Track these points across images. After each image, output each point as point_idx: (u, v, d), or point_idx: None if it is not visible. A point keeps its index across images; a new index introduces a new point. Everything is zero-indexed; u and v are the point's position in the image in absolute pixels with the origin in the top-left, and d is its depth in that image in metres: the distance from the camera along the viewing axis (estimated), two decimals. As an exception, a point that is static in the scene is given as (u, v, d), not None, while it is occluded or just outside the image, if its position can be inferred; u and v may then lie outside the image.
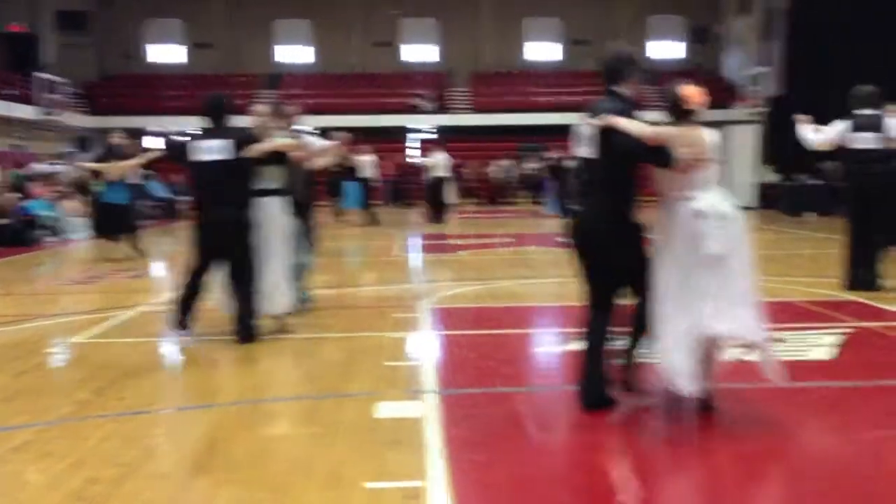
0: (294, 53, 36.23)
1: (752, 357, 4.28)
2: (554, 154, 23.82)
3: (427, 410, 4.45)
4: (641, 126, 4.12)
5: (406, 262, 12.59)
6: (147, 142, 29.63)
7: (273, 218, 6.42)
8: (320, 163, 7.63)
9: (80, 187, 18.40)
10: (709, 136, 4.21)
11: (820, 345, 5.84)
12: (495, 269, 11.14)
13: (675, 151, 4.06)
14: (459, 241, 15.32)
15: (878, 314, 7.17)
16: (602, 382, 4.42)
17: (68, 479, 3.53)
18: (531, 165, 28.98)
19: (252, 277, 6.21)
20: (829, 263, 9.30)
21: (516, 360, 5.82)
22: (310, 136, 7.58)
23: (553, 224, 19.97)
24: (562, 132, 28.44)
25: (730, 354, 4.48)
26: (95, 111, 31.17)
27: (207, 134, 6.30)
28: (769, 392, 4.65)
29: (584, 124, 4.38)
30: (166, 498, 3.34)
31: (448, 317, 7.45)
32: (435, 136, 31.40)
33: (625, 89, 4.42)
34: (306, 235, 7.26)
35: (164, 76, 34.68)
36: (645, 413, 4.54)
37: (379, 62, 35.65)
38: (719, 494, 3.41)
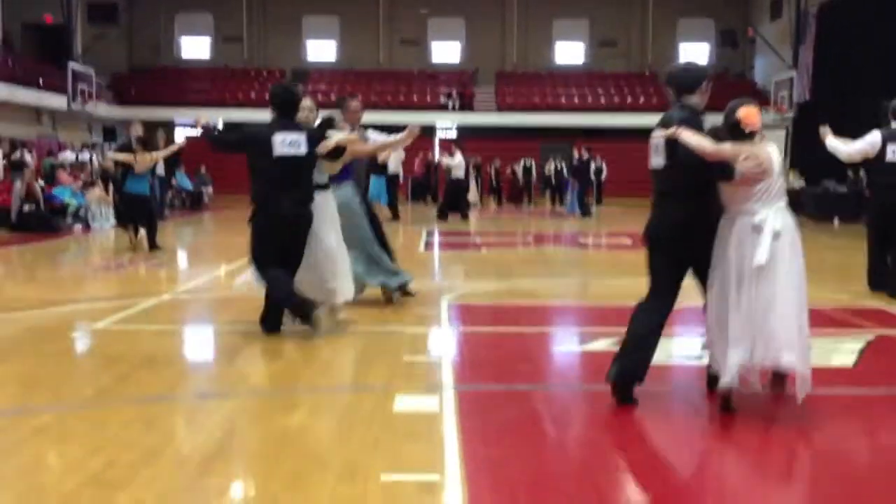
0: (321, 49, 36.37)
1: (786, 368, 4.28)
2: (576, 155, 23.76)
3: (444, 405, 4.46)
4: (702, 141, 4.25)
5: (427, 258, 12.60)
6: (177, 133, 29.97)
7: (330, 211, 6.47)
8: (384, 155, 7.84)
9: (105, 177, 18.60)
10: (772, 151, 4.31)
11: (842, 351, 5.78)
12: (515, 267, 11.13)
13: (736, 166, 4.19)
14: (480, 239, 15.32)
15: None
16: (632, 379, 4.50)
17: (87, 462, 3.57)
18: (553, 165, 28.93)
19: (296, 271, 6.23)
20: (853, 270, 9.21)
21: (534, 358, 5.81)
22: (372, 131, 7.69)
23: (573, 224, 19.95)
24: (585, 133, 28.40)
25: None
26: (124, 102, 31.49)
27: (283, 127, 6.12)
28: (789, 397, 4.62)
29: (655, 135, 4.52)
30: (183, 485, 3.37)
31: (467, 313, 7.45)
32: (454, 135, 31.40)
33: (693, 101, 4.56)
34: (374, 226, 7.48)
35: (193, 69, 34.99)
36: (663, 411, 4.52)
37: (406, 60, 35.71)
38: (731, 493, 3.39)
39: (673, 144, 4.32)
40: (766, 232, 4.18)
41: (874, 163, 8.29)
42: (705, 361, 4.72)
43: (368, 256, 7.25)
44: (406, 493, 3.28)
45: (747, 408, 4.61)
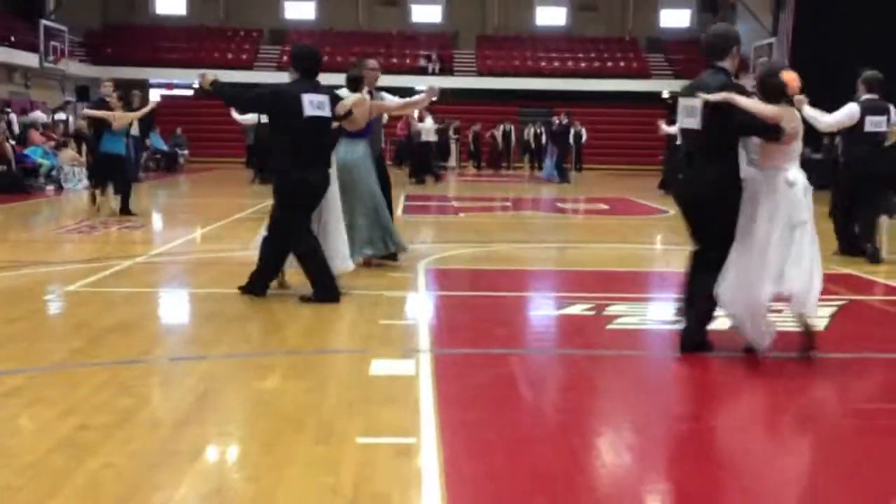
0: (300, 9, 35.83)
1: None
2: (555, 119, 23.65)
3: (421, 369, 4.46)
4: (757, 104, 4.54)
5: (405, 222, 12.55)
6: (151, 94, 29.53)
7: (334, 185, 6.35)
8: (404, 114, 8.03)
9: (78, 137, 18.32)
10: (797, 115, 4.72)
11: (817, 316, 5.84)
12: (493, 232, 11.13)
13: (784, 127, 4.50)
14: (458, 204, 15.28)
15: (871, 287, 7.30)
16: (701, 330, 4.81)
17: (60, 425, 3.54)
18: (532, 130, 28.84)
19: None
20: (824, 236, 9.29)
21: (511, 322, 5.82)
22: (386, 94, 7.80)
23: (551, 189, 19.95)
24: (565, 97, 28.25)
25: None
26: (97, 60, 30.92)
27: (310, 88, 5.95)
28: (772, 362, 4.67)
29: (690, 98, 4.70)
30: (157, 447, 3.35)
31: (444, 278, 7.44)
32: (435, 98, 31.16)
33: (726, 65, 4.75)
34: (384, 187, 7.58)
35: (168, 28, 34.38)
36: (638, 374, 4.56)
37: (385, 21, 35.30)
38: (706, 454, 3.42)
39: (714, 107, 4.49)
40: (800, 186, 4.61)
41: (851, 132, 8.46)
42: (679, 326, 4.88)
43: (374, 216, 7.28)
44: (382, 456, 3.27)
45: (719, 372, 4.65)
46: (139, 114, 12.87)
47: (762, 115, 4.49)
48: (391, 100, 7.74)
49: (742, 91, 4.59)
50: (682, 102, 4.80)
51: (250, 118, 16.09)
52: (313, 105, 5.87)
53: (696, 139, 4.73)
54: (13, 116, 20.36)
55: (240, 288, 6.18)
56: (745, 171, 4.70)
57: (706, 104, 4.54)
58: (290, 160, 5.89)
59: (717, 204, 4.70)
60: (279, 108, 5.93)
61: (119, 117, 11.45)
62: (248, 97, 6.38)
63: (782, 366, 4.75)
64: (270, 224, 6.09)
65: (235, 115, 15.62)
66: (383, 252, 7.42)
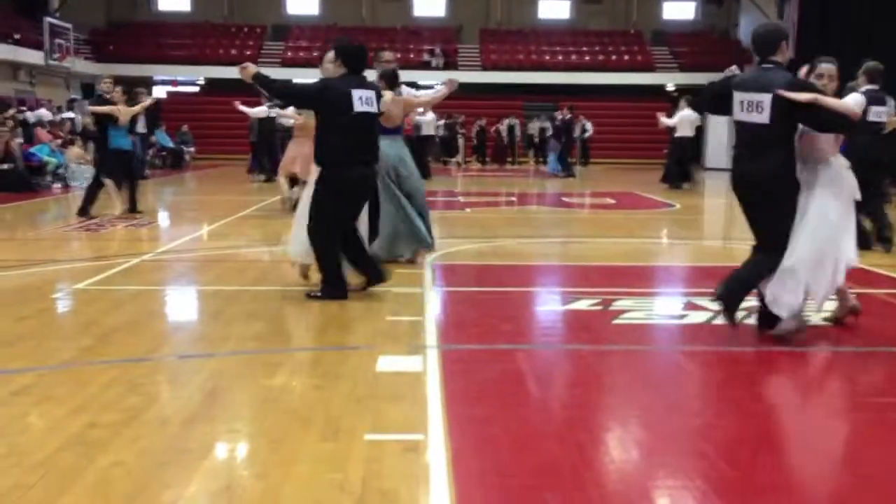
0: (303, 5, 35.81)
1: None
2: (559, 114, 23.58)
3: (428, 365, 4.47)
4: (842, 102, 4.91)
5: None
6: (156, 91, 29.54)
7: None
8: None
9: (85, 134, 18.35)
10: None
11: (823, 310, 5.83)
12: (499, 227, 11.13)
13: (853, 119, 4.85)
14: (464, 199, 15.28)
15: (877, 280, 7.25)
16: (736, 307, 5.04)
17: (69, 423, 3.56)
18: (537, 125, 28.79)
19: None
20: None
21: (517, 317, 5.82)
22: (406, 88, 7.88)
23: (556, 184, 19.93)
24: (570, 91, 28.11)
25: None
26: (102, 58, 30.95)
27: (357, 84, 5.94)
28: (772, 355, 4.67)
29: (754, 93, 4.85)
30: (166, 444, 3.37)
31: (451, 273, 7.45)
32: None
33: (777, 59, 4.94)
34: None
35: (172, 24, 34.39)
36: (645, 370, 4.56)
37: (388, 16, 35.26)
38: (713, 449, 3.43)
39: (789, 103, 4.71)
40: (848, 171, 5.08)
41: (859, 122, 8.52)
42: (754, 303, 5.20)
43: (419, 211, 7.58)
44: (390, 453, 3.29)
45: (728, 366, 4.65)
46: (141, 107, 12.74)
47: (847, 111, 4.80)
48: (418, 94, 7.82)
49: (810, 87, 4.83)
50: (742, 97, 4.91)
51: (261, 111, 16.05)
52: (362, 101, 5.89)
53: (761, 133, 4.87)
54: (28, 115, 20.39)
55: (312, 296, 6.05)
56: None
57: (779, 99, 4.72)
58: (340, 156, 5.89)
59: (783, 195, 4.89)
60: (329, 103, 5.88)
61: (124, 112, 11.40)
62: (295, 90, 6.33)
63: (789, 359, 4.75)
64: (312, 221, 6.00)
65: (243, 108, 15.58)
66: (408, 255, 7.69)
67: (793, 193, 4.91)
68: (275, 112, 14.80)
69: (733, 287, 5.04)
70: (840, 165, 5.08)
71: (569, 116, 23.08)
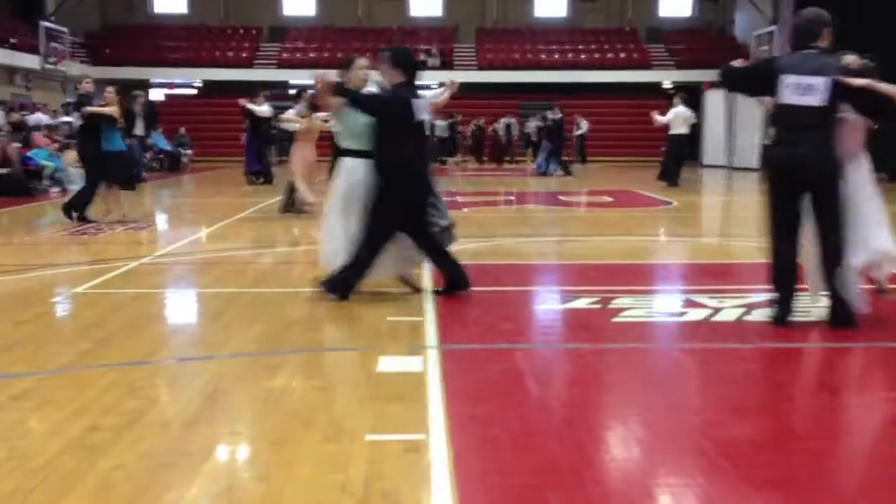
0: (299, 5, 35.81)
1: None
2: (549, 114, 23.48)
3: (428, 365, 4.47)
4: (891, 87, 4.98)
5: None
6: (153, 94, 29.54)
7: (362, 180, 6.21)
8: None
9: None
10: None
11: (823, 306, 5.83)
12: (497, 226, 11.13)
13: None
14: (462, 199, 15.28)
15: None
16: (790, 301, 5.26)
17: (69, 427, 3.55)
18: (534, 124, 28.81)
19: None
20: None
21: (516, 316, 5.82)
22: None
23: (554, 183, 19.94)
24: (566, 90, 28.15)
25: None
26: (98, 62, 30.95)
27: (414, 93, 6.04)
28: (767, 351, 4.67)
29: (807, 77, 4.99)
30: (166, 447, 3.37)
31: (450, 273, 7.43)
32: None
33: (823, 45, 5.11)
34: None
35: (168, 26, 34.39)
36: (645, 368, 4.56)
37: (385, 16, 35.27)
38: (714, 449, 3.43)
39: (844, 87, 4.92)
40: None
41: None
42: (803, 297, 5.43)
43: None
44: (391, 453, 3.29)
45: (729, 363, 4.65)
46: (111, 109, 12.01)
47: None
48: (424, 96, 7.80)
49: (866, 72, 5.08)
50: (792, 79, 5.01)
51: (266, 110, 15.95)
52: (419, 109, 5.99)
53: (812, 115, 4.99)
54: (29, 118, 20.36)
55: (322, 283, 6.05)
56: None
57: (834, 82, 4.90)
58: (406, 163, 5.96)
59: (835, 176, 5.07)
60: (393, 113, 5.95)
61: (118, 113, 11.21)
62: (374, 101, 6.20)
63: (790, 356, 4.76)
64: (369, 227, 5.97)
65: (252, 106, 15.50)
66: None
67: (841, 175, 5.10)
68: (273, 116, 14.74)
69: (844, 308, 5.17)
70: (865, 161, 5.41)
71: (559, 116, 23.03)
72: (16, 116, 19.46)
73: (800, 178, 5.10)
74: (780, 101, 5.10)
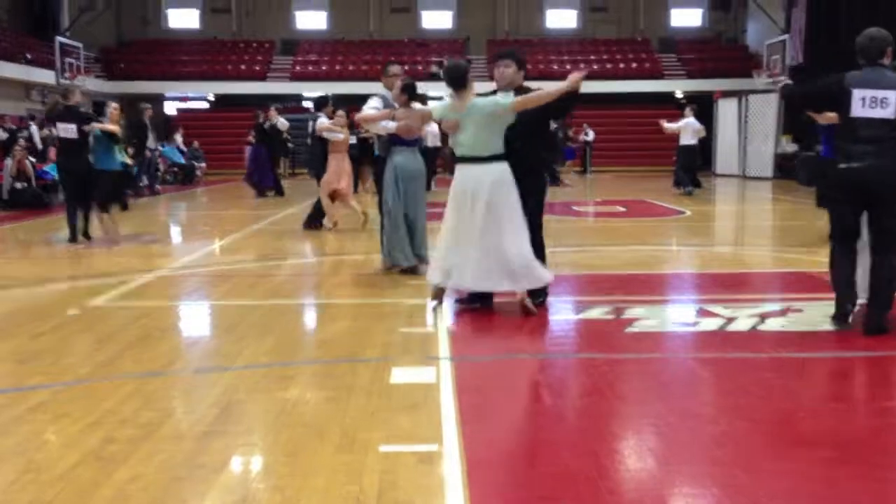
0: (311, 19, 36.01)
1: None
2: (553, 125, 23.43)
3: (441, 376, 4.47)
4: None
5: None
6: (166, 107, 29.76)
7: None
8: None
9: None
10: None
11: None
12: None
13: None
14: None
15: None
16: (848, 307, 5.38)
17: (86, 439, 3.58)
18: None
19: None
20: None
21: (529, 327, 5.82)
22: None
23: (565, 193, 19.91)
24: (578, 100, 27.65)
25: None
26: (112, 76, 31.20)
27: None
28: (778, 361, 4.65)
29: (878, 90, 5.18)
30: (182, 459, 3.38)
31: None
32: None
33: (887, 61, 5.32)
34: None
35: (182, 41, 34.64)
36: (660, 379, 4.55)
37: (396, 29, 35.40)
38: (729, 459, 3.42)
39: None
40: None
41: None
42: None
43: (411, 234, 7.59)
44: (405, 464, 3.29)
45: (742, 373, 4.64)
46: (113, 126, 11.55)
47: None
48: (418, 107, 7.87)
49: None
50: (864, 93, 5.18)
51: (285, 124, 15.87)
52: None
53: (883, 128, 5.15)
54: (34, 129, 20.55)
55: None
56: None
57: None
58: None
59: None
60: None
61: (117, 127, 10.65)
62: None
63: (804, 365, 4.73)
64: (531, 219, 6.07)
65: (275, 120, 15.38)
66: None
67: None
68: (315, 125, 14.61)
69: (881, 318, 5.20)
70: None
71: (554, 126, 22.97)
72: (45, 132, 19.62)
73: (869, 191, 5.21)
74: (850, 114, 5.25)
